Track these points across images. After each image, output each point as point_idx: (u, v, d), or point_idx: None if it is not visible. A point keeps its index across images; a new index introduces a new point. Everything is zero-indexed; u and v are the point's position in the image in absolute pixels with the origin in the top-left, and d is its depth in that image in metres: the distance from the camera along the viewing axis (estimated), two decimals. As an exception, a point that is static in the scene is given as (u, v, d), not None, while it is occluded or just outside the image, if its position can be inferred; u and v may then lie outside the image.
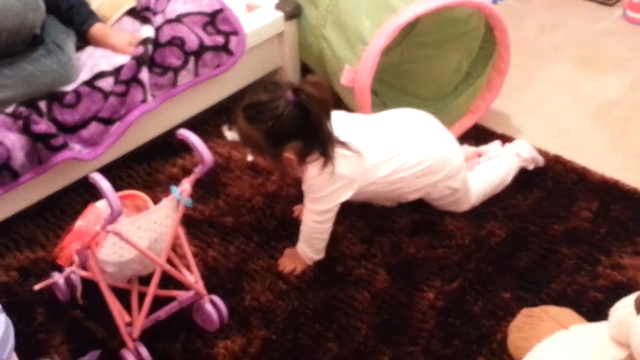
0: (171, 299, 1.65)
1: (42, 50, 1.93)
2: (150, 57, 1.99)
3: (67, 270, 1.64)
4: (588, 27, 2.86)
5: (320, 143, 1.61)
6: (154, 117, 2.03)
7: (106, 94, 1.91)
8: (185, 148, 2.08)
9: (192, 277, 1.64)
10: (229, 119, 2.24)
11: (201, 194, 2.00)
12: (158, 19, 2.11)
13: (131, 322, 1.57)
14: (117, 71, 1.94)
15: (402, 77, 2.41)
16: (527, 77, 2.56)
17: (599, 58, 2.67)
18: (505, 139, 2.19)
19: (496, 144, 2.14)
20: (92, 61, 2.02)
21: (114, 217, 1.40)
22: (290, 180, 1.99)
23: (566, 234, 1.87)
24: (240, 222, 1.95)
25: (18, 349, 1.33)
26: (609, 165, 2.10)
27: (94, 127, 1.89)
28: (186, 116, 2.17)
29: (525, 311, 1.61)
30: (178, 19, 2.09)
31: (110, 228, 1.42)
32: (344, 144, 1.65)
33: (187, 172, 2.07)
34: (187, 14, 2.11)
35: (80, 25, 2.06)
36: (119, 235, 1.44)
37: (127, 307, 1.59)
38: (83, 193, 2.01)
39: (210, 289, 1.68)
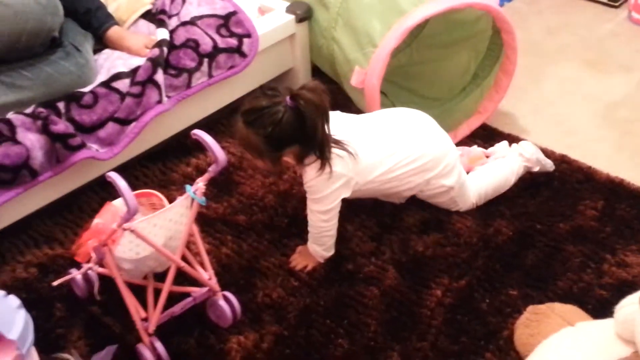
0: (186, 295, 1.68)
1: (61, 53, 1.97)
2: (166, 59, 2.03)
3: (85, 266, 1.68)
4: (594, 29, 2.88)
5: (318, 146, 1.65)
6: (169, 117, 2.07)
7: (122, 95, 1.94)
8: (200, 148, 2.10)
9: (206, 274, 1.67)
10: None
11: (215, 192, 2.04)
12: (173, 22, 2.15)
13: (147, 317, 1.60)
14: (133, 73, 1.97)
15: (411, 78, 2.44)
16: (534, 78, 2.59)
17: (604, 59, 2.69)
18: (512, 139, 2.22)
19: (503, 144, 2.16)
20: (109, 63, 2.06)
21: (130, 215, 1.43)
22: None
23: (572, 232, 1.90)
24: (252, 220, 1.98)
25: (37, 343, 1.36)
26: (614, 164, 2.13)
27: (110, 127, 1.93)
28: (200, 116, 2.21)
29: (531, 308, 1.63)
30: (192, 22, 2.13)
31: (126, 226, 1.45)
32: (338, 144, 1.69)
33: (201, 171, 2.11)
34: (201, 17, 2.15)
35: (98, 28, 2.10)
36: (135, 232, 1.47)
37: (143, 303, 1.62)
38: (100, 191, 2.05)
39: (224, 286, 1.71)
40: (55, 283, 1.69)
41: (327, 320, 1.70)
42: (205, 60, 2.09)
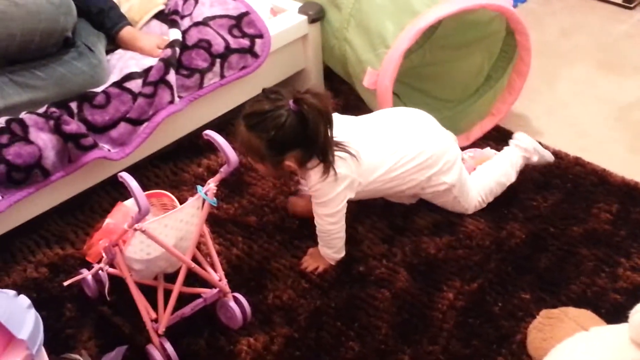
0: (196, 296, 1.68)
1: (74, 53, 1.97)
2: (178, 59, 2.03)
3: (96, 267, 1.68)
4: (608, 30, 2.86)
5: (320, 150, 1.64)
6: (181, 117, 2.07)
7: (135, 95, 1.94)
8: (211, 148, 2.13)
9: (217, 275, 1.67)
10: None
11: (226, 193, 2.04)
12: (185, 22, 2.15)
13: (157, 318, 1.60)
14: (145, 73, 1.97)
15: (424, 80, 2.43)
16: (548, 80, 2.57)
17: (618, 61, 2.67)
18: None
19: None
20: (122, 63, 2.06)
21: (141, 216, 1.43)
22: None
23: (586, 235, 1.89)
24: (263, 221, 1.98)
25: (47, 343, 1.36)
26: (629, 167, 2.11)
27: (122, 128, 1.93)
28: (212, 117, 2.21)
29: (544, 312, 1.62)
30: (205, 22, 2.13)
31: (137, 226, 1.45)
32: (339, 146, 1.68)
33: (212, 172, 2.11)
34: (214, 17, 2.15)
35: (111, 29, 2.11)
36: (146, 233, 1.47)
37: (153, 303, 1.61)
38: (111, 191, 2.06)
39: (234, 287, 1.71)
40: (65, 283, 1.70)
41: (338, 323, 1.70)
42: (218, 60, 2.09)
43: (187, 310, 1.66)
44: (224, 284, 1.67)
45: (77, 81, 1.96)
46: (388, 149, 1.78)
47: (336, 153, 1.68)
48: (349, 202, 1.90)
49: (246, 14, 2.19)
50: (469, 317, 1.69)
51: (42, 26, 1.88)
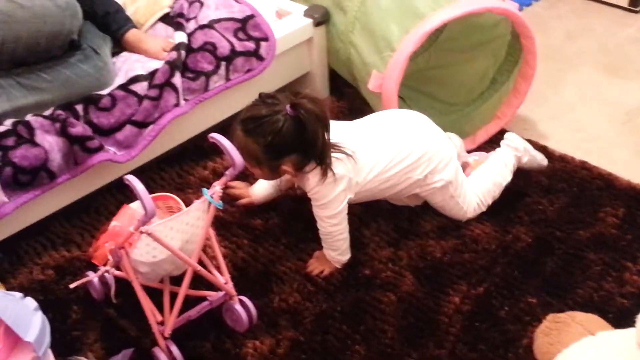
0: (202, 299, 1.68)
1: (80, 55, 1.98)
2: (183, 62, 2.03)
3: (102, 269, 1.68)
4: (614, 34, 2.86)
5: (317, 154, 1.65)
6: (186, 120, 2.07)
7: (140, 98, 1.94)
8: (216, 151, 2.11)
9: (222, 278, 1.67)
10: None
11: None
12: (191, 25, 2.15)
13: (163, 321, 1.60)
14: (151, 76, 1.98)
15: (429, 83, 2.43)
16: (553, 83, 2.57)
17: (624, 64, 2.67)
18: (531, 145, 2.20)
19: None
20: (128, 66, 2.07)
21: (147, 219, 1.43)
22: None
23: (592, 239, 1.88)
24: (269, 224, 1.98)
25: (53, 346, 1.36)
26: (635, 171, 2.11)
27: (128, 130, 1.93)
28: (217, 120, 2.21)
29: (551, 316, 1.60)
30: (210, 25, 2.13)
31: (143, 229, 1.45)
32: (335, 147, 1.69)
33: (218, 174, 2.11)
34: (219, 20, 2.15)
35: (116, 31, 2.11)
36: (152, 236, 1.47)
37: (159, 306, 1.61)
38: (117, 194, 2.06)
39: (240, 290, 1.70)
40: (72, 285, 1.70)
41: (344, 326, 1.69)
42: (223, 63, 2.09)
43: (193, 313, 1.65)
44: (230, 287, 1.67)
45: (82, 83, 1.96)
46: (382, 149, 1.78)
47: (332, 154, 1.68)
48: (354, 205, 1.91)
49: (251, 16, 2.19)
50: (475, 321, 1.69)
51: (48, 29, 1.89)
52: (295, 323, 1.70)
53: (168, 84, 1.97)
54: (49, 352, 1.37)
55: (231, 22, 2.17)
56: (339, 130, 1.74)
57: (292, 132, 1.59)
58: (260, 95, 1.66)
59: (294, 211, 2.01)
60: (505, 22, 2.17)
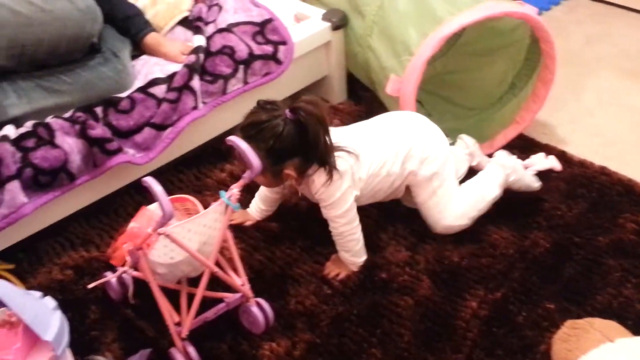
0: (219, 300, 1.68)
1: (100, 58, 2.00)
2: (202, 65, 2.04)
3: (120, 270, 1.69)
4: (634, 39, 2.84)
5: (319, 157, 1.66)
6: (204, 123, 2.08)
7: (159, 101, 1.96)
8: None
9: (239, 280, 1.67)
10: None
11: (249, 199, 2.03)
12: (209, 29, 2.16)
13: (180, 322, 1.61)
14: (169, 79, 1.99)
15: (447, 87, 2.43)
16: (572, 88, 2.55)
17: (645, 70, 2.65)
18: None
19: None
20: (147, 69, 2.08)
21: (165, 220, 1.44)
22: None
23: (612, 245, 1.86)
24: (286, 227, 1.98)
25: (71, 345, 1.37)
26: (656, 177, 2.09)
27: (147, 133, 1.94)
28: (235, 122, 2.16)
29: (569, 323, 1.59)
30: (228, 29, 2.14)
31: (161, 230, 1.46)
32: (335, 147, 1.70)
33: (235, 177, 2.12)
34: (238, 24, 2.16)
35: (136, 35, 2.13)
36: (169, 237, 1.48)
37: (177, 307, 1.62)
38: (135, 195, 2.07)
39: (257, 292, 1.71)
40: (90, 285, 1.70)
41: (360, 329, 1.69)
42: (241, 66, 2.10)
43: (210, 314, 1.66)
44: (247, 288, 1.67)
45: (102, 86, 1.98)
46: (380, 143, 1.80)
47: (335, 155, 1.70)
48: (371, 209, 1.91)
49: (270, 20, 2.20)
50: (493, 327, 1.68)
51: (69, 32, 1.91)
52: (311, 325, 1.70)
53: (186, 87, 1.98)
54: (67, 351, 1.38)
55: (250, 26, 2.18)
56: (337, 133, 1.76)
57: (293, 136, 1.61)
58: (258, 102, 1.68)
59: (311, 214, 2.01)
60: (524, 26, 2.16)
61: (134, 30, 2.13)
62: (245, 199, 2.02)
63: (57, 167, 1.80)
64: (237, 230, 1.96)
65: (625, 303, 1.71)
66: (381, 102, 2.30)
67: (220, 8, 2.23)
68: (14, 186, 1.74)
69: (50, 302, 1.37)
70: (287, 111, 1.61)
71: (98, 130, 1.85)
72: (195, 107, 2.02)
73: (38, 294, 1.38)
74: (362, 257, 1.83)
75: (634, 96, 2.51)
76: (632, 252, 1.84)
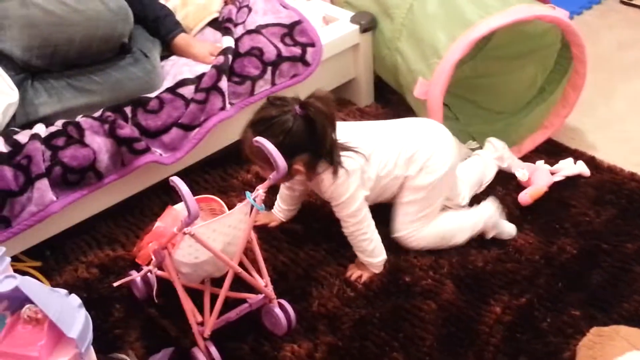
0: (242, 301, 1.69)
1: (130, 59, 2.02)
2: (230, 66, 2.05)
3: (145, 269, 1.71)
4: (668, 44, 2.79)
5: (327, 153, 1.67)
6: (232, 124, 2.08)
7: (187, 101, 1.97)
8: (260, 155, 2.13)
9: (263, 281, 1.67)
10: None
11: (273, 200, 2.04)
12: (238, 30, 2.17)
13: (203, 322, 1.61)
14: (198, 79, 2.00)
15: (475, 91, 2.41)
16: (603, 94, 2.52)
17: (678, 76, 2.60)
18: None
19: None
20: (176, 69, 2.10)
21: (191, 220, 1.44)
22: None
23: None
24: (310, 228, 1.98)
25: (95, 343, 1.38)
26: (687, 185, 2.05)
27: (174, 133, 1.96)
28: (261, 124, 2.22)
29: (595, 330, 1.58)
30: (257, 30, 2.15)
31: (187, 230, 1.47)
32: (343, 146, 1.71)
33: (260, 178, 2.12)
34: (266, 26, 2.17)
35: (166, 35, 2.15)
36: (194, 237, 1.49)
37: (200, 307, 1.63)
38: (162, 195, 2.08)
39: (279, 294, 1.71)
40: (115, 284, 1.73)
41: (382, 333, 1.68)
42: (269, 68, 2.11)
43: (233, 314, 1.67)
44: (270, 290, 1.68)
45: (132, 86, 2.00)
46: (390, 144, 1.79)
47: (342, 153, 1.70)
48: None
49: (298, 22, 2.21)
50: (517, 332, 1.66)
51: (101, 32, 1.93)
52: (333, 328, 1.70)
53: (215, 87, 1.99)
54: (91, 348, 1.39)
55: (278, 28, 2.18)
56: (347, 131, 1.76)
57: (302, 131, 1.62)
58: (268, 98, 1.70)
59: (334, 216, 2.00)
60: (554, 30, 2.14)
61: (164, 31, 2.15)
62: (270, 200, 2.03)
63: (85, 166, 1.82)
64: (262, 231, 1.96)
65: (653, 312, 1.68)
66: (408, 105, 2.29)
67: (250, 9, 2.24)
68: (43, 184, 1.76)
69: (75, 300, 1.37)
70: (296, 107, 1.62)
71: (126, 130, 1.87)
72: (222, 108, 2.03)
73: (63, 291, 1.39)
74: (378, 258, 1.81)
75: (666, 103, 2.47)
76: (661, 261, 1.81)
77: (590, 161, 2.14)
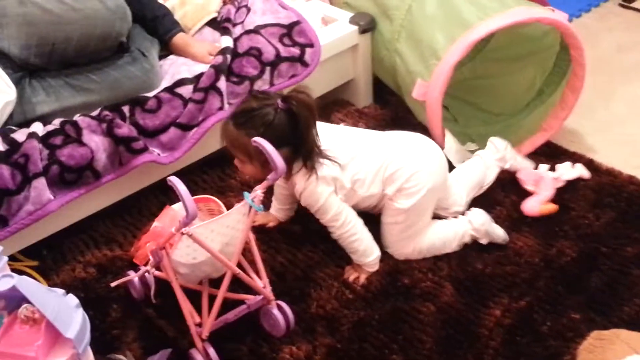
0: (240, 302, 1.68)
1: (128, 58, 2.01)
2: (229, 66, 2.04)
3: (142, 269, 1.70)
4: (667, 47, 2.79)
5: (307, 150, 1.66)
6: (230, 124, 2.08)
7: (185, 101, 1.96)
8: (258, 156, 2.12)
9: (261, 282, 1.66)
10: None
11: (272, 200, 2.04)
12: (237, 30, 2.17)
13: (201, 322, 1.60)
14: (196, 79, 1.99)
15: (474, 92, 2.41)
16: (602, 96, 2.51)
17: (677, 79, 2.60)
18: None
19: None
20: (174, 69, 2.09)
21: (189, 220, 1.43)
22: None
23: (639, 256, 1.83)
24: (308, 229, 1.97)
25: (92, 343, 1.37)
26: (686, 188, 2.05)
27: (172, 132, 1.95)
28: (260, 124, 2.21)
29: (595, 334, 1.57)
30: (256, 30, 2.14)
31: (184, 230, 1.46)
32: (321, 153, 1.70)
33: (259, 179, 2.11)
34: (265, 26, 2.16)
35: (164, 35, 2.14)
36: (192, 237, 1.48)
37: (198, 308, 1.62)
38: (159, 195, 2.07)
39: (278, 295, 1.70)
40: (113, 284, 1.72)
41: (381, 335, 1.67)
42: (268, 68, 2.10)
43: (231, 316, 1.66)
44: (268, 291, 1.67)
45: (130, 85, 1.99)
46: (370, 156, 1.77)
47: (319, 159, 1.69)
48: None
49: (297, 23, 2.20)
50: (517, 336, 1.65)
51: (98, 31, 1.92)
52: (332, 330, 1.69)
53: (213, 87, 1.98)
54: (89, 349, 1.38)
55: (277, 28, 2.18)
56: (327, 133, 1.75)
57: (283, 125, 1.62)
58: (251, 92, 1.71)
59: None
60: (553, 32, 2.14)
61: (162, 30, 2.14)
62: (268, 200, 2.02)
63: (83, 165, 1.81)
64: (260, 232, 1.95)
65: (653, 315, 1.68)
66: (407, 107, 2.29)
67: (249, 10, 2.23)
68: (40, 183, 1.75)
69: (72, 299, 1.36)
70: (279, 100, 1.62)
71: (124, 129, 1.86)
72: (221, 108, 2.02)
73: (61, 291, 1.38)
74: (371, 257, 1.80)
75: (665, 105, 2.47)
76: (661, 264, 1.81)
77: (589, 164, 2.14)
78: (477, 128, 2.30)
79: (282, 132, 1.62)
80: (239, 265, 1.62)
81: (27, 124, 1.87)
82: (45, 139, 1.80)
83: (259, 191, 1.56)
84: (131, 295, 1.78)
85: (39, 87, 1.90)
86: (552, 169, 2.12)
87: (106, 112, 1.89)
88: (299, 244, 1.93)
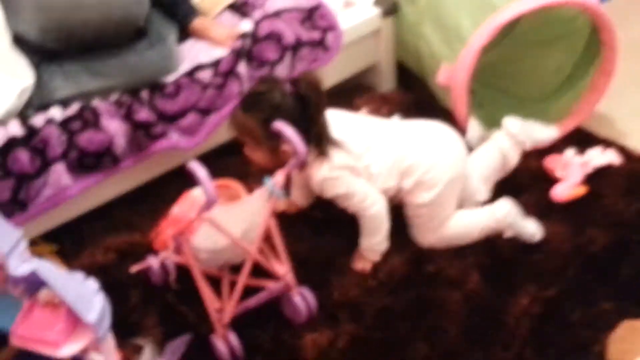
0: (261, 288, 1.66)
1: (145, 43, 1.98)
2: (248, 51, 2.01)
3: (162, 254, 1.69)
4: (701, 29, 2.71)
5: (316, 136, 1.63)
6: (250, 109, 2.06)
7: (205, 86, 1.94)
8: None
9: (282, 269, 1.64)
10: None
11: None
12: (257, 14, 2.13)
13: (221, 308, 1.59)
14: (216, 64, 1.97)
15: (501, 77, 2.35)
16: (634, 80, 2.44)
17: None
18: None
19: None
20: (193, 54, 2.06)
21: (209, 205, 1.42)
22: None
23: (672, 244, 1.78)
24: (331, 216, 1.93)
25: (112, 328, 1.36)
26: None
27: (192, 117, 1.93)
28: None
29: (627, 323, 1.54)
30: (276, 14, 2.10)
31: (204, 216, 1.45)
32: (334, 142, 1.67)
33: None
34: (285, 10, 2.12)
35: (182, 19, 2.11)
36: (212, 222, 1.46)
37: (218, 294, 1.61)
38: (179, 181, 2.03)
39: (300, 281, 1.68)
40: (133, 269, 1.71)
41: (405, 323, 1.65)
42: (288, 53, 2.07)
43: (252, 302, 1.63)
44: (290, 277, 1.64)
45: (148, 70, 1.96)
46: (384, 151, 1.73)
47: (332, 148, 1.66)
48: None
49: (318, 6, 2.16)
50: (545, 325, 1.61)
51: (116, 17, 1.90)
52: (355, 317, 1.66)
53: (232, 72, 1.96)
54: (109, 333, 1.37)
55: (297, 12, 2.13)
56: (342, 121, 1.72)
57: (291, 108, 1.59)
58: (260, 77, 1.71)
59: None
60: (583, 15, 2.07)
61: (181, 15, 2.11)
62: (289, 186, 2.00)
63: (102, 150, 1.80)
64: (282, 218, 1.92)
65: (686, 305, 1.63)
66: (430, 92, 2.24)
67: (269, -7, 2.20)
68: (59, 168, 1.75)
69: (92, 284, 1.35)
70: (287, 84, 1.60)
71: (143, 114, 1.84)
72: (240, 93, 1.99)
73: (81, 276, 1.37)
74: (384, 245, 1.79)
75: (699, 89, 2.39)
76: (695, 251, 1.75)
77: (621, 150, 2.08)
78: (504, 114, 2.25)
79: (291, 115, 1.59)
80: (260, 252, 1.60)
81: (45, 108, 1.86)
82: (63, 125, 1.79)
83: (279, 177, 1.54)
84: (151, 281, 1.77)
85: (57, 71, 1.88)
86: (581, 154, 2.07)
87: (125, 97, 1.87)
88: (321, 231, 1.91)
